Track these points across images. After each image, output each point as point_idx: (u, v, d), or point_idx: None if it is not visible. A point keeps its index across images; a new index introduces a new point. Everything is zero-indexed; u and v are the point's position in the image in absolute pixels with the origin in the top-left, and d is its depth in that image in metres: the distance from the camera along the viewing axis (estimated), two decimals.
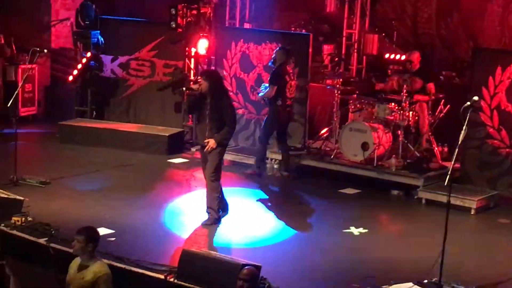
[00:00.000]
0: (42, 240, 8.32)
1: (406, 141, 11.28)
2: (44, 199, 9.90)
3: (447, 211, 7.44)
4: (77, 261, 6.58)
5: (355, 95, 11.94)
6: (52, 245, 8.20)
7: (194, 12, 13.34)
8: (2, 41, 14.08)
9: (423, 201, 10.50)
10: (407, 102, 11.12)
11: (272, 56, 11.54)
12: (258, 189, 11.08)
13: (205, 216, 9.28)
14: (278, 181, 11.55)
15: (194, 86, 9.18)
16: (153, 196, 10.42)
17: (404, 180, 10.89)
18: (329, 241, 8.96)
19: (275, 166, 11.81)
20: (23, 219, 8.73)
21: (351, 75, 13.29)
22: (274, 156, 11.95)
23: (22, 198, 9.19)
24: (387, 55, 13.30)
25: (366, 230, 9.31)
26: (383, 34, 13.62)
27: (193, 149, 12.66)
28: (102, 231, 8.30)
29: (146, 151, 12.63)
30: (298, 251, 8.68)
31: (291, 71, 11.57)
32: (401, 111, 11.15)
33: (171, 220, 9.48)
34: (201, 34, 13.16)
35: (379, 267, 8.09)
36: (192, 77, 13.32)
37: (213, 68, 13.11)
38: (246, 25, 14.10)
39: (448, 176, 7.31)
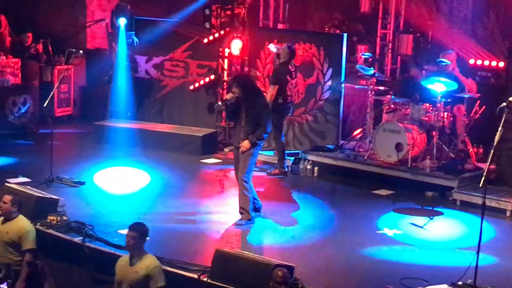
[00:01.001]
0: (77, 239, 8.41)
1: (440, 142, 11.18)
2: (79, 198, 10.00)
3: (482, 212, 7.37)
4: (124, 258, 6.78)
5: (389, 96, 11.88)
6: (87, 244, 8.28)
7: (228, 12, 13.38)
8: (41, 50, 14.22)
9: (458, 202, 10.41)
10: (442, 103, 11.03)
11: (276, 51, 11.60)
12: (290, 189, 11.07)
13: (238, 216, 9.31)
14: (310, 181, 11.53)
15: (228, 96, 9.28)
16: (186, 196, 10.47)
17: (439, 182, 10.80)
18: (363, 242, 8.91)
19: (308, 167, 11.80)
20: (59, 218, 8.83)
21: (385, 76, 13.22)
22: (309, 157, 11.93)
23: (57, 197, 9.29)
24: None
25: (400, 231, 9.26)
26: (418, 34, 13.52)
27: (226, 150, 12.70)
28: None
29: (180, 151, 12.69)
30: (331, 252, 8.65)
31: (293, 70, 11.58)
32: (436, 112, 11.07)
33: (204, 220, 9.51)
34: (235, 35, 13.19)
35: (413, 269, 8.03)
36: (225, 78, 13.37)
37: (246, 69, 13.14)
38: (280, 26, 14.09)
39: (483, 178, 7.22)
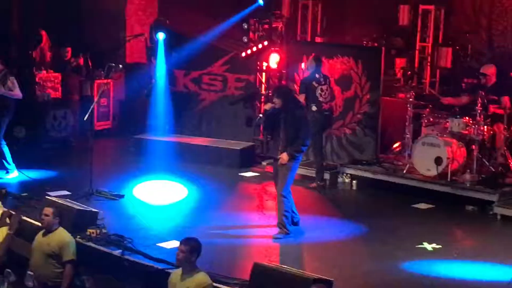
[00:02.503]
0: (116, 252, 8.46)
1: (480, 156, 11.06)
2: (119, 211, 10.07)
3: None
4: (177, 272, 6.73)
5: (428, 109, 11.79)
6: (126, 257, 8.32)
7: (266, 26, 13.43)
8: (82, 62, 14.38)
9: (498, 216, 10.29)
10: (482, 116, 10.92)
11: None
12: (328, 202, 11.04)
13: (276, 230, 9.29)
14: (348, 195, 11.49)
15: (267, 107, 9.30)
16: (224, 210, 10.48)
17: (479, 196, 10.68)
18: (402, 256, 8.83)
19: (347, 181, 11.75)
20: (98, 231, 8.89)
21: (424, 89, 13.14)
22: (347, 170, 11.89)
23: (97, 210, 9.36)
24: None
25: (439, 246, 9.17)
26: (457, 48, 13.42)
27: (264, 163, 12.69)
28: (174, 243, 8.37)
29: (218, 165, 12.72)
30: (370, 266, 8.59)
31: (320, 77, 11.59)
32: (476, 125, 10.96)
33: (242, 233, 9.51)
34: (273, 48, 13.21)
35: (452, 283, 7.95)
36: (263, 91, 13.40)
37: (283, 83, 13.15)
38: (318, 39, 14.09)
39: None
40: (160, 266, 7.94)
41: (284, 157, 9.09)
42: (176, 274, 6.89)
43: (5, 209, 7.86)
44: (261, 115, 9.63)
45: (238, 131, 13.63)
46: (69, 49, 14.47)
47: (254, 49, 13.32)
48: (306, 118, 9.45)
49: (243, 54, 13.39)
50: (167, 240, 8.78)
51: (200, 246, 6.77)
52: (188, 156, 12.99)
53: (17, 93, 11.38)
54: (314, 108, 11.40)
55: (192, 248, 6.67)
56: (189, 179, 11.80)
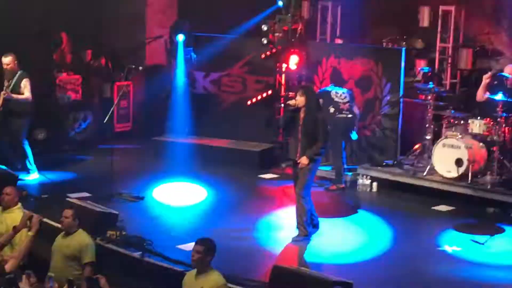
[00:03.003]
0: (136, 254, 8.48)
1: (501, 157, 10.99)
2: (139, 213, 10.10)
3: None
4: (192, 272, 6.76)
5: (449, 110, 11.72)
6: (146, 258, 8.34)
7: (285, 28, 13.41)
8: (103, 63, 14.43)
9: None
10: (503, 118, 10.85)
11: None
12: (348, 204, 11.01)
13: (295, 232, 9.28)
14: (368, 197, 11.44)
15: (291, 102, 9.30)
16: (244, 211, 10.48)
17: (500, 198, 10.60)
18: (423, 259, 8.80)
19: (366, 182, 11.71)
20: (118, 233, 8.92)
21: (444, 90, 13.06)
22: (367, 172, 11.85)
23: (117, 212, 9.39)
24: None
25: (460, 248, 9.11)
26: (478, 48, 13.34)
27: (283, 165, 12.68)
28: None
29: (237, 167, 12.71)
30: (390, 269, 8.56)
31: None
32: (497, 127, 10.88)
33: (261, 235, 9.51)
34: (292, 50, 13.20)
35: (472, 287, 7.89)
36: (283, 93, 13.39)
37: (303, 84, 13.12)
38: (337, 40, 14.06)
39: None
40: (179, 268, 7.94)
41: (303, 160, 9.08)
42: (190, 274, 6.91)
43: (26, 211, 7.89)
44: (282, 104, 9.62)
45: (257, 132, 13.63)
46: (89, 51, 14.51)
47: (274, 50, 13.32)
48: (325, 121, 9.42)
49: (263, 56, 13.39)
50: (186, 242, 8.76)
51: (215, 247, 6.78)
52: (207, 158, 12.99)
53: (27, 96, 11.29)
54: (331, 109, 11.38)
55: (207, 249, 6.70)
56: (208, 181, 11.80)
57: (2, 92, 11.23)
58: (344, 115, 11.53)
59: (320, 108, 9.60)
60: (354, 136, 11.76)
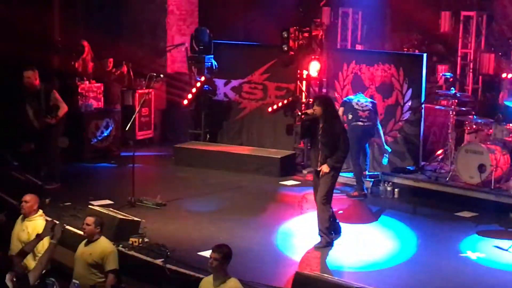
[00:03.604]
0: (158, 261, 8.50)
1: None
2: (160, 220, 10.11)
3: None
4: (208, 279, 6.77)
5: (471, 116, 11.66)
6: (168, 265, 8.36)
7: (306, 34, 13.41)
8: (125, 71, 14.50)
9: None
10: None
11: None
12: (370, 211, 10.96)
13: (317, 239, 9.26)
14: (390, 203, 11.39)
15: (308, 111, 9.30)
16: (265, 218, 10.47)
17: None
18: (445, 265, 8.74)
19: (388, 189, 11.66)
20: (140, 240, 8.96)
21: (466, 96, 12.99)
22: (389, 178, 11.80)
23: (139, 219, 9.42)
24: (504, 75, 12.91)
25: (483, 255, 9.05)
26: (500, 53, 13.26)
27: (304, 171, 12.67)
28: None
29: (258, 173, 12.72)
30: (413, 275, 8.51)
31: None
32: None
33: (283, 242, 9.49)
34: (313, 57, 13.19)
35: None
36: (303, 100, 13.38)
37: (324, 91, 13.12)
38: (358, 47, 14.03)
39: None
40: (201, 275, 7.94)
41: (324, 169, 9.07)
42: (206, 281, 6.87)
43: (48, 219, 7.93)
44: (299, 113, 9.63)
45: (278, 139, 13.64)
46: (111, 59, 14.60)
47: (294, 57, 13.30)
48: (345, 130, 9.42)
49: (283, 63, 13.39)
50: (208, 249, 8.74)
51: (231, 253, 6.78)
52: (228, 164, 13.02)
53: (64, 108, 11.42)
54: (350, 116, 11.36)
55: (225, 255, 6.72)
56: (229, 188, 11.81)
57: (44, 119, 11.29)
58: (362, 123, 11.46)
59: (338, 117, 9.58)
60: (384, 161, 11.85)
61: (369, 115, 11.53)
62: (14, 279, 6.15)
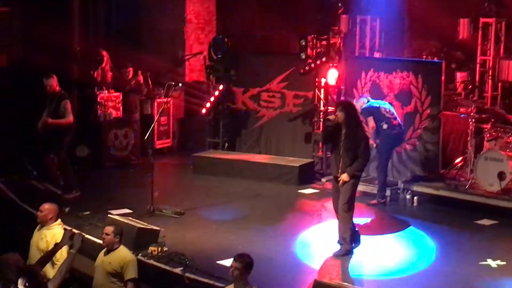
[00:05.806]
0: (177, 270, 8.52)
1: None
2: (179, 229, 10.13)
3: None
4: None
5: (491, 123, 11.60)
6: (187, 274, 8.37)
7: (324, 42, 13.42)
8: (141, 80, 14.56)
9: None
10: None
11: None
12: (389, 219, 10.93)
13: (337, 247, 9.23)
14: (409, 211, 11.34)
15: (331, 117, 9.29)
16: (284, 226, 10.46)
17: None
18: (465, 273, 8.69)
19: (408, 197, 11.61)
20: (159, 249, 8.97)
21: (485, 103, 12.93)
22: (408, 186, 11.76)
23: (158, 228, 9.45)
24: None
25: (504, 263, 8.98)
26: None
27: (323, 180, 12.64)
28: None
29: (277, 182, 12.72)
30: (432, 283, 8.46)
31: None
32: None
33: (302, 250, 9.48)
34: (331, 64, 13.18)
35: None
36: (322, 108, 13.37)
37: (342, 99, 13.08)
38: (376, 54, 14.01)
39: None
40: (220, 283, 7.94)
41: (344, 178, 9.04)
42: None
43: (67, 228, 7.96)
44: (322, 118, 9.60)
45: (297, 148, 13.63)
46: (130, 69, 14.66)
47: (313, 65, 13.30)
48: (367, 137, 9.39)
49: (301, 71, 13.39)
50: (227, 258, 8.76)
51: (253, 262, 6.78)
52: (247, 173, 13.03)
53: (68, 119, 11.45)
54: (385, 126, 11.29)
55: (246, 265, 6.74)
56: (248, 196, 11.81)
57: (44, 118, 11.40)
58: (396, 131, 11.43)
59: (360, 124, 9.55)
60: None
61: (399, 123, 11.52)
62: (27, 284, 6.18)
